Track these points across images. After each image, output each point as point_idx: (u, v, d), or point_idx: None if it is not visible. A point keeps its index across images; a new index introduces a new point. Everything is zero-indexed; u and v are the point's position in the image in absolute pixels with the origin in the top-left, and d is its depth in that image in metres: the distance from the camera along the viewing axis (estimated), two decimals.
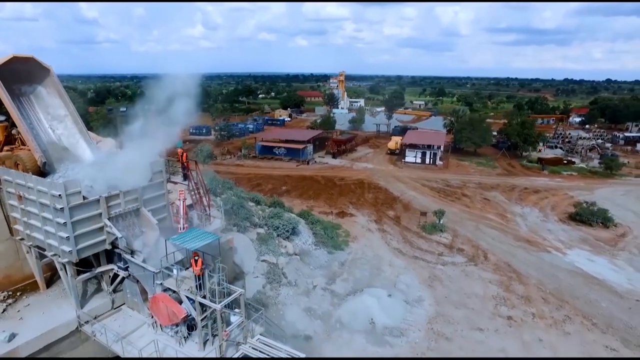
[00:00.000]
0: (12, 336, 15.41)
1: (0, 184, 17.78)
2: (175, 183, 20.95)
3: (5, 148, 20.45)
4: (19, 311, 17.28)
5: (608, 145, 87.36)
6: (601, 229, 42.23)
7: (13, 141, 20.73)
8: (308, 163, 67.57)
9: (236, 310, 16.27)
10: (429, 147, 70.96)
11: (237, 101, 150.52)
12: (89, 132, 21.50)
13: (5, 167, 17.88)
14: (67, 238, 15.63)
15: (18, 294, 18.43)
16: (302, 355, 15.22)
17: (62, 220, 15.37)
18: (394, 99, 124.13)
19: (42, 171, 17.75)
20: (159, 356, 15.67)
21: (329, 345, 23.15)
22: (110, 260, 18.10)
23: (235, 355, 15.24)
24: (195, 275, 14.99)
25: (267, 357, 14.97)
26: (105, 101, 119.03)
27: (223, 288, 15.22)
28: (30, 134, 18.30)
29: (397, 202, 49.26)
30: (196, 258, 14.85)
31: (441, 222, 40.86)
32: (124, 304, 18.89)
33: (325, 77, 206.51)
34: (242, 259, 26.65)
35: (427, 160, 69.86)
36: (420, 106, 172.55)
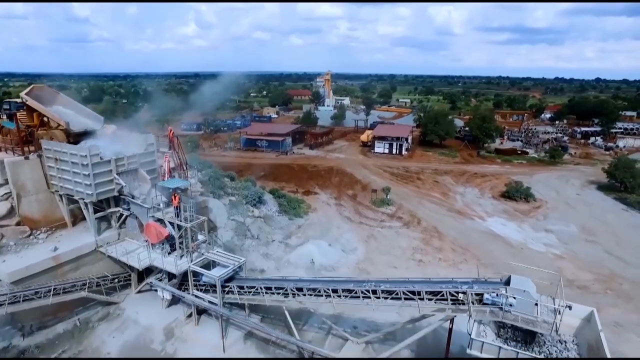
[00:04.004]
0: (56, 248, 23.54)
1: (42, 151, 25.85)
2: (164, 152, 28.91)
3: (40, 129, 28.51)
4: (56, 237, 25.43)
5: (566, 138, 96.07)
6: (523, 203, 50.69)
7: (44, 124, 28.83)
8: (287, 154, 75.71)
9: (203, 231, 24.49)
10: (397, 139, 79.23)
11: (228, 99, 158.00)
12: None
13: (45, 140, 25.90)
14: (90, 185, 23.70)
15: (53, 229, 26.54)
16: (243, 260, 23.43)
17: (87, 172, 23.44)
18: (374, 97, 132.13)
19: (69, 130, 25.76)
20: (150, 264, 23.84)
21: (276, 274, 31.31)
22: (117, 205, 26.26)
23: (198, 260, 23.36)
24: (174, 207, 23.13)
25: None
26: (103, 99, 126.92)
27: (192, 216, 23.36)
28: (56, 114, 26.40)
29: (357, 184, 57.56)
30: (175, 195, 22.96)
31: (388, 197, 49.17)
32: (127, 237, 27.05)
33: (318, 76, 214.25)
34: (216, 217, 34.75)
35: (394, 151, 78.17)
36: (405, 104, 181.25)
